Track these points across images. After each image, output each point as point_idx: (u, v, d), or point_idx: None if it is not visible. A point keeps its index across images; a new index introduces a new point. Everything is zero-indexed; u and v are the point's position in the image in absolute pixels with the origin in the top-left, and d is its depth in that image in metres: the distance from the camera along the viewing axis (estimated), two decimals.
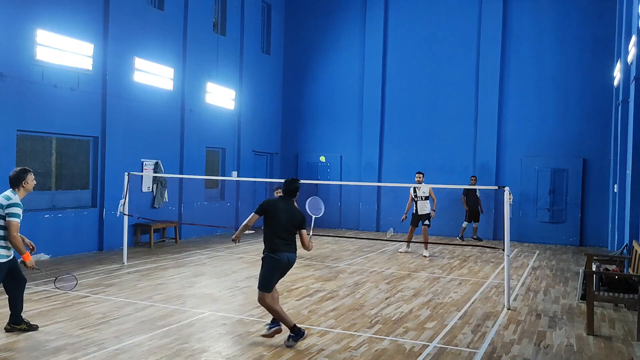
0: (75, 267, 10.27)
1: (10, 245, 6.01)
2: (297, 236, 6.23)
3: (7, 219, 5.93)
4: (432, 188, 13.28)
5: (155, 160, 14.03)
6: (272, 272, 6.07)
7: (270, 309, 6.09)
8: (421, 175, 12.99)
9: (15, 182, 6.14)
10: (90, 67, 11.87)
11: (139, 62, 13.28)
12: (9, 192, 6.09)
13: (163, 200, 14.26)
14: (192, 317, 7.13)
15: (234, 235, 6.46)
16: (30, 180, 6.23)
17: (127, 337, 6.21)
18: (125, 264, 10.76)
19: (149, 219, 12.94)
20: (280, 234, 6.08)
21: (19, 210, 5.99)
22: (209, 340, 6.24)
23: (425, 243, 12.95)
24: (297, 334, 6.07)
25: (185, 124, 14.97)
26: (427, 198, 13.11)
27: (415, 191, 13.09)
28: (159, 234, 14.18)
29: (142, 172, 13.47)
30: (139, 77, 13.31)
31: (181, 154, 14.93)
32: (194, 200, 15.44)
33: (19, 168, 6.26)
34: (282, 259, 6.08)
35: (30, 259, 6.10)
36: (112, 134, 12.60)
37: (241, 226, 6.26)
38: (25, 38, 10.63)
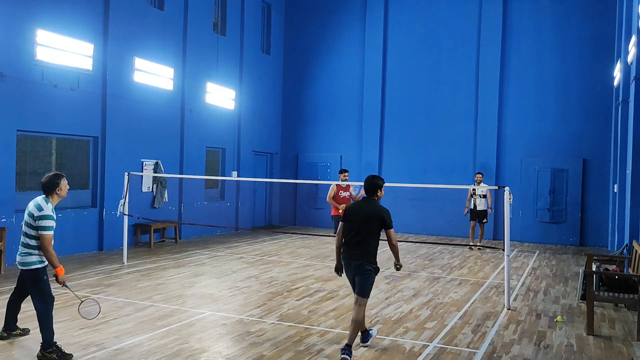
0: (75, 267, 10.28)
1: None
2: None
3: (39, 231, 5.54)
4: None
5: (155, 160, 14.03)
6: None
7: None
8: (481, 175, 14.12)
9: (49, 188, 5.70)
10: (90, 67, 11.87)
11: (139, 62, 13.28)
12: (41, 200, 5.64)
13: (163, 200, 14.26)
14: (192, 317, 7.13)
15: None
16: (64, 186, 5.80)
17: (127, 337, 6.21)
18: (125, 264, 10.75)
19: (149, 219, 12.94)
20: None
21: (50, 223, 5.56)
22: (209, 340, 6.24)
23: (481, 237, 14.32)
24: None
25: (185, 124, 14.96)
26: (484, 196, 14.23)
27: (474, 189, 14.25)
28: (159, 234, 14.18)
29: (142, 172, 13.47)
30: (139, 77, 13.31)
31: (181, 154, 14.93)
32: (194, 200, 15.44)
33: (51, 173, 5.81)
34: None
35: (63, 273, 5.63)
36: (112, 134, 12.60)
37: None
38: (25, 38, 10.63)
